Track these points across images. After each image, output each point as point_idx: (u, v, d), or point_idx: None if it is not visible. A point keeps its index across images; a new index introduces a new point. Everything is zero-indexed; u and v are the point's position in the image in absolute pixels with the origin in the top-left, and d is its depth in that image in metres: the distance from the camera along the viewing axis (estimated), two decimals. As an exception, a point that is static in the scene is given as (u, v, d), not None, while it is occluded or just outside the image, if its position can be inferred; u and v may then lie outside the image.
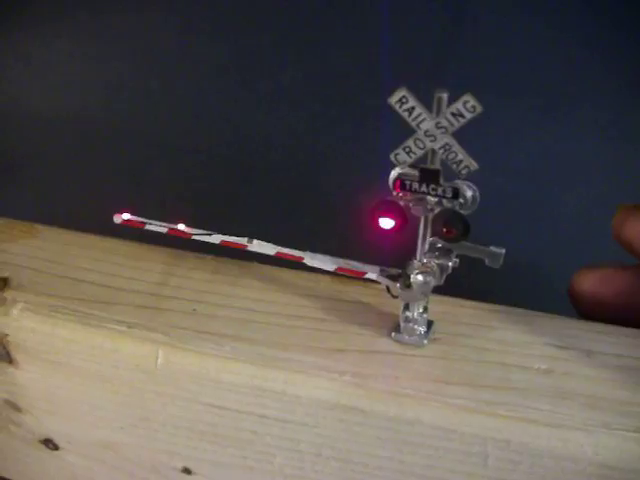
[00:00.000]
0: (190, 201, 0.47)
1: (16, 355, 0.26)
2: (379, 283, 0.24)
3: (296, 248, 0.25)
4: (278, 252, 0.25)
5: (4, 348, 0.26)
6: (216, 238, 0.26)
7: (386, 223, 0.22)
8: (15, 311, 0.25)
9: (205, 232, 0.26)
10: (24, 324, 0.25)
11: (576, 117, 0.50)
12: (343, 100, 0.55)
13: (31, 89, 0.58)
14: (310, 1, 0.57)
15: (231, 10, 0.59)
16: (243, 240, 0.26)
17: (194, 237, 0.26)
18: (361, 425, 0.23)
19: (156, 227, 0.26)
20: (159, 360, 0.24)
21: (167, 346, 0.24)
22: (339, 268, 0.24)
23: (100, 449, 0.28)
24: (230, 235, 0.26)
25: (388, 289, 0.24)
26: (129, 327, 0.25)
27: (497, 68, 0.53)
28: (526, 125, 0.52)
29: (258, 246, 0.26)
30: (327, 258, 0.25)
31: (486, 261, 0.23)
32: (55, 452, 0.29)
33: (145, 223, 0.27)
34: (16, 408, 0.28)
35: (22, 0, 0.60)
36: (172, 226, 0.26)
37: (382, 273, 0.24)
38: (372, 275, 0.24)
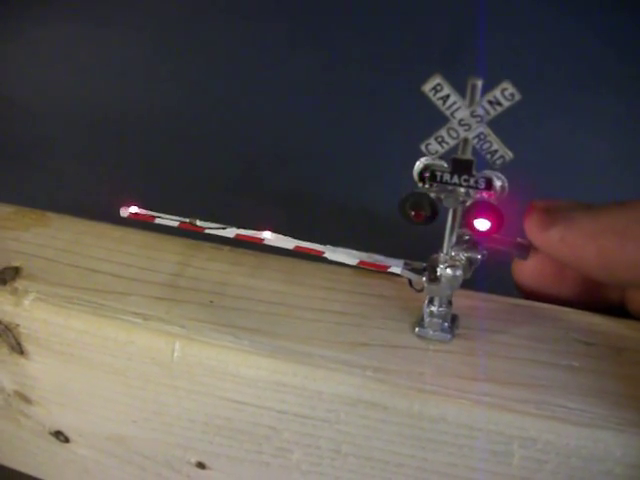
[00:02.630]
0: (200, 193, 0.46)
1: (27, 346, 0.25)
2: (402, 277, 0.24)
3: (308, 241, 0.25)
4: (297, 246, 0.24)
5: (15, 339, 0.25)
6: (231, 232, 0.25)
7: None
8: (27, 301, 0.25)
9: (219, 226, 0.25)
10: (36, 315, 0.25)
11: (591, 109, 0.50)
12: (356, 89, 0.54)
13: (42, 76, 0.58)
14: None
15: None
16: (259, 234, 0.25)
17: (207, 231, 0.25)
18: (383, 422, 0.22)
19: (167, 221, 0.25)
20: (175, 353, 0.23)
21: (184, 339, 0.23)
22: (361, 262, 0.24)
23: (112, 442, 0.27)
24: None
25: (410, 283, 0.24)
26: (144, 319, 0.24)
27: (509, 59, 0.53)
28: (539, 117, 0.51)
29: (275, 240, 0.25)
30: (349, 252, 0.24)
31: (514, 253, 0.23)
32: (66, 445, 0.28)
33: (154, 217, 0.26)
34: (27, 400, 0.27)
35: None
36: (184, 219, 0.25)
37: (406, 267, 0.23)
38: (396, 269, 0.23)
